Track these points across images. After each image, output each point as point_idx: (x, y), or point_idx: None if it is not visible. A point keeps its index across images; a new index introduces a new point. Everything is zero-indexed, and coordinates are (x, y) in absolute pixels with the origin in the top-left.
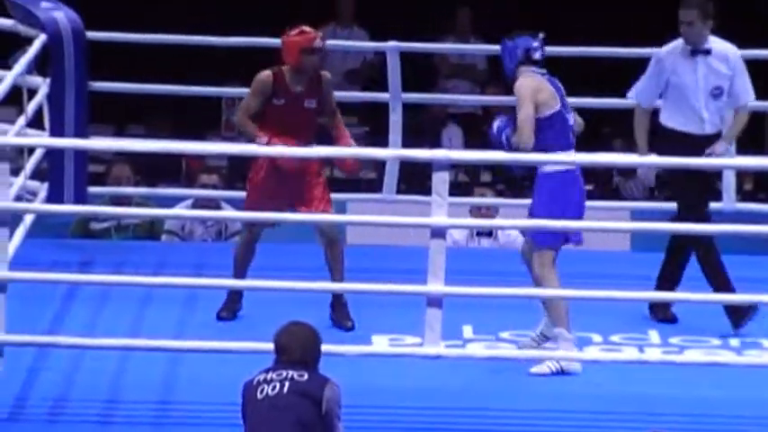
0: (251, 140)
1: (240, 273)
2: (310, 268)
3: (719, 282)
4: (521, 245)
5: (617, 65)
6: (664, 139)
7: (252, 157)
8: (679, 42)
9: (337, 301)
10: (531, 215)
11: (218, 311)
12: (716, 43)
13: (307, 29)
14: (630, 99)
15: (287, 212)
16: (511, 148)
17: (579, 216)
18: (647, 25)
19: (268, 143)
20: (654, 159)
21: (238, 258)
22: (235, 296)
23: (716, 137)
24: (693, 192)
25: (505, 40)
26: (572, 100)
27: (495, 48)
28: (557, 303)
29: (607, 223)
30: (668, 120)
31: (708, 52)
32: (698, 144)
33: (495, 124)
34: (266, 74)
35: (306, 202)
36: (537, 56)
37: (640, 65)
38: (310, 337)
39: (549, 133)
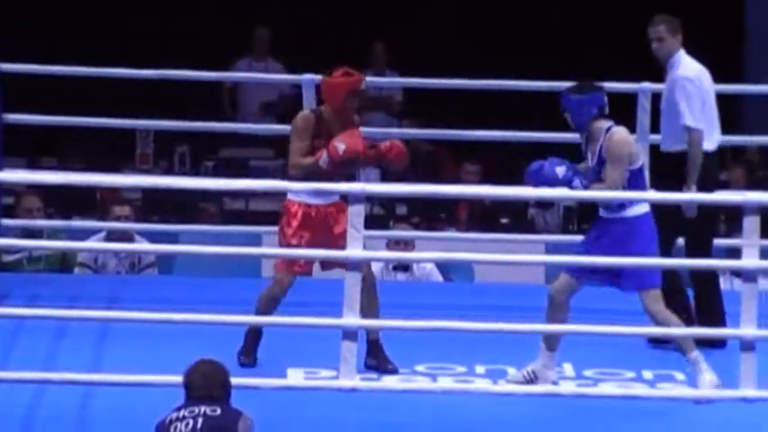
0: (317, 169)
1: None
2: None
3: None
4: (555, 282)
5: (529, 98)
6: None
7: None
8: None
9: (374, 345)
10: (635, 256)
11: (239, 355)
12: None
13: (350, 70)
14: None
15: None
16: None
17: None
18: (563, 62)
19: (329, 151)
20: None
21: (261, 310)
22: (253, 343)
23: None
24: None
25: (570, 94)
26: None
27: (411, 80)
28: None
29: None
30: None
31: None
32: None
33: (560, 171)
34: (307, 113)
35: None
36: (607, 109)
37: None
38: (219, 372)
39: (640, 182)
